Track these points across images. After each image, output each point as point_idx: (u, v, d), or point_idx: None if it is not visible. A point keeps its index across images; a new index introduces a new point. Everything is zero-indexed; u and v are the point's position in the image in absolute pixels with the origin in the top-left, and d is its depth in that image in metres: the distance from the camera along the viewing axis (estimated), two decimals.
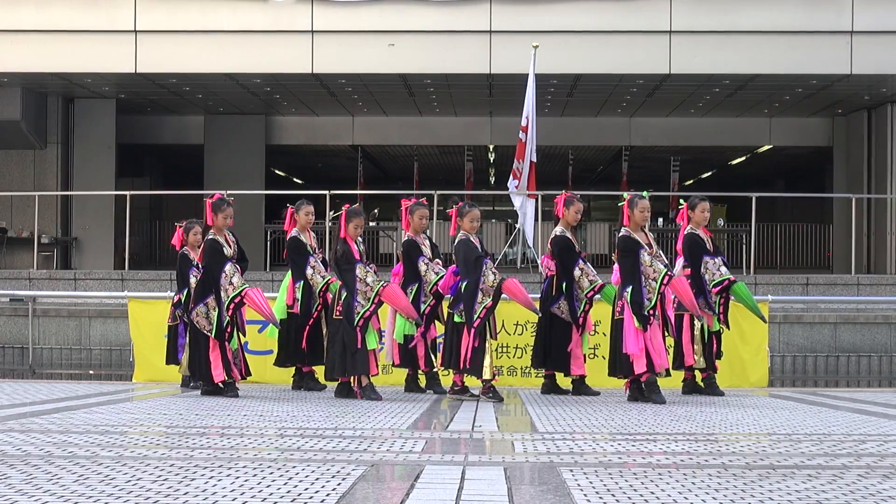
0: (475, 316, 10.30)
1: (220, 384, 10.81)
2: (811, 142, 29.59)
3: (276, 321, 11.03)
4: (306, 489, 5.11)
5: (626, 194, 10.82)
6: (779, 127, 29.22)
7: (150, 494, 4.94)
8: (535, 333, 11.81)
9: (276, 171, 35.56)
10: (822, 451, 6.92)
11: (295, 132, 29.97)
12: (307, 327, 11.52)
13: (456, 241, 10.76)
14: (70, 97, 26.30)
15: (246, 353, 11.38)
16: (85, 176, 26.22)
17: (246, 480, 5.34)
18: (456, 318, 10.54)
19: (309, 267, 11.47)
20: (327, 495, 4.97)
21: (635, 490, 5.22)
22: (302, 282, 11.53)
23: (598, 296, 11.06)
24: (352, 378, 10.67)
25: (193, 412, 9.11)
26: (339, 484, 5.28)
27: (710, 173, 37.99)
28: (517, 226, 21.33)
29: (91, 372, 16.43)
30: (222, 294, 10.70)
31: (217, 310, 10.69)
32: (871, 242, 26.35)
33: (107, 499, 4.83)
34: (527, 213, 19.88)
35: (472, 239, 10.67)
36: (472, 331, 10.30)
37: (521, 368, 13.05)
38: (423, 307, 11.12)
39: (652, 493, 5.15)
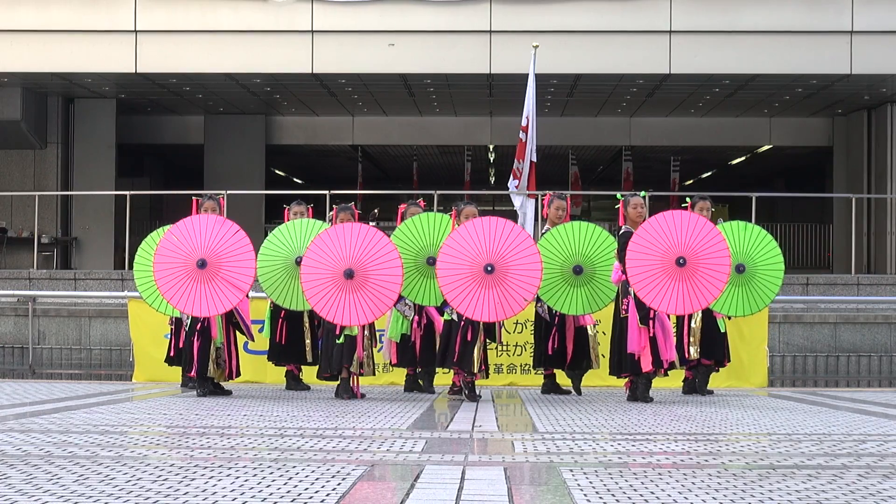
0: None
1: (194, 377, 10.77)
2: (811, 142, 29.57)
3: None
4: (306, 489, 5.11)
5: (619, 195, 10.88)
6: (779, 127, 29.20)
7: (150, 494, 4.94)
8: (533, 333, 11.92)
9: (276, 171, 35.54)
10: (822, 451, 6.92)
11: (295, 132, 29.96)
12: (280, 323, 11.59)
13: None
14: (70, 97, 26.29)
15: (245, 353, 11.37)
16: (85, 176, 26.21)
17: (246, 480, 5.34)
18: (445, 317, 10.64)
19: None
20: (327, 495, 4.97)
21: (635, 490, 5.22)
22: None
23: None
24: (351, 377, 10.66)
25: (193, 412, 9.10)
26: (339, 484, 5.28)
27: (710, 173, 37.97)
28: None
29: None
30: None
31: None
32: (871, 242, 26.33)
33: (107, 499, 4.83)
34: (527, 213, 19.82)
35: None
36: (462, 324, 10.33)
37: (521, 366, 13.04)
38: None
39: (652, 493, 5.15)
